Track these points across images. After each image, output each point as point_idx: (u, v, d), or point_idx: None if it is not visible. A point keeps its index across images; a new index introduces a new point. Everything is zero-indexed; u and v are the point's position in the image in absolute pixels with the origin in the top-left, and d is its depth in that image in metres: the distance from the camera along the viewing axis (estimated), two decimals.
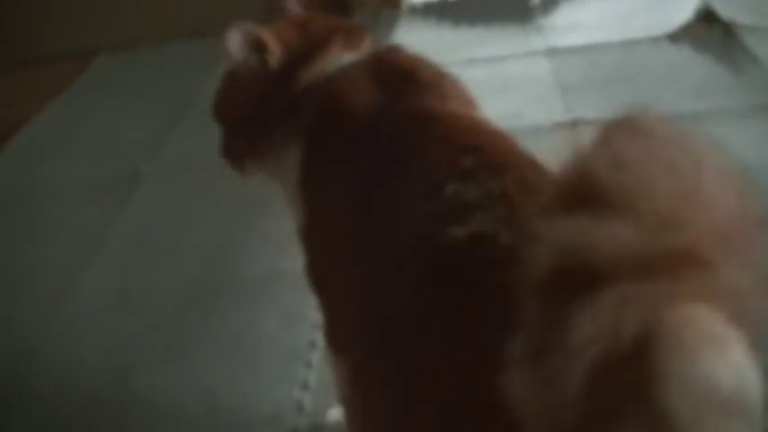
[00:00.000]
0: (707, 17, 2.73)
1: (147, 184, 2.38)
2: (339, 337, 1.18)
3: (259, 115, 1.34)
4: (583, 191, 0.72)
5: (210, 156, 2.40)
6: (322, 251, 1.22)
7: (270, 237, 2.04)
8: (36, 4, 3.41)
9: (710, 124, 2.20)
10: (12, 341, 1.86)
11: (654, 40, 2.71)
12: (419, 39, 2.69)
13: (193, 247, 2.08)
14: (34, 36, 3.42)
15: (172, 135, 2.62)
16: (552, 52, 2.74)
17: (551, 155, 2.05)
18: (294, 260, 1.87)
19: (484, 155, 1.04)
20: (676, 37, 2.70)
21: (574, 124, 2.29)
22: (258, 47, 1.30)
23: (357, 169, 1.14)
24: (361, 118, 1.19)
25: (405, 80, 1.23)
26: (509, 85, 2.55)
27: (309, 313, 1.75)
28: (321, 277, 1.23)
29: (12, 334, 1.89)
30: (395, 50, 1.31)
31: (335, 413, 1.47)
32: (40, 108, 2.94)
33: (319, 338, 1.66)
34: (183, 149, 2.54)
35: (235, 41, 1.29)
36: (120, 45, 3.35)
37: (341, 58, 1.32)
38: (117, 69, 3.24)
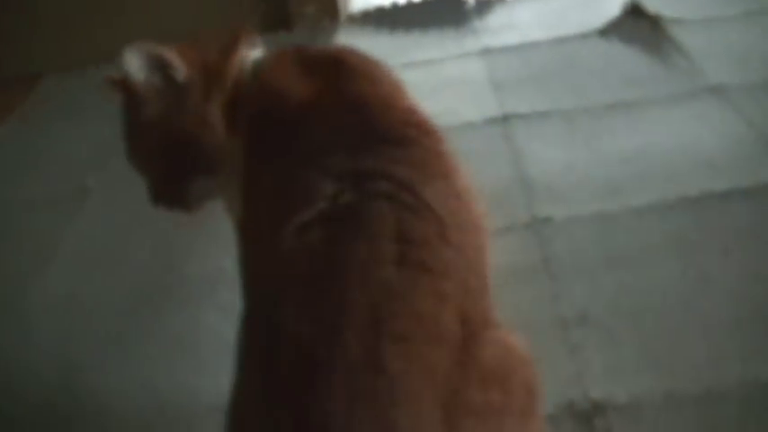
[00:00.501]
0: (635, 11, 2.81)
1: (95, 197, 2.42)
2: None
3: (190, 133, 1.30)
4: None
5: None
6: (255, 243, 1.18)
7: (216, 236, 2.08)
8: None
9: (639, 112, 2.28)
10: None
11: (584, 36, 2.78)
12: (358, 46, 2.73)
13: (141, 251, 2.12)
14: None
15: (117, 150, 2.64)
16: (486, 52, 2.80)
17: (483, 147, 2.13)
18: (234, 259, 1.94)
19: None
20: (606, 32, 2.77)
21: (505, 119, 2.35)
22: (161, 64, 1.27)
23: (292, 158, 1.16)
24: (298, 104, 1.21)
25: (335, 66, 1.26)
26: (444, 85, 2.61)
27: None
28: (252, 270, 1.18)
29: None
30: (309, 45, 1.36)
31: None
32: None
33: None
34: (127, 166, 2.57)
35: (134, 62, 1.25)
36: (64, 67, 3.38)
37: (253, 54, 1.35)
38: (63, 90, 3.26)
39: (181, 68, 1.28)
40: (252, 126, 1.26)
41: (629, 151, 2.10)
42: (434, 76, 2.67)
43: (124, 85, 1.30)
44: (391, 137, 1.15)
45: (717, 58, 2.49)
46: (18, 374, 1.78)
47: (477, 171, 2.08)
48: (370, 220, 1.03)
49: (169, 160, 1.34)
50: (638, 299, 1.62)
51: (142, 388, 1.68)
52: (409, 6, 3.22)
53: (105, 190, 2.45)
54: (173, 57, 1.28)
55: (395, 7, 3.24)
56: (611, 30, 2.78)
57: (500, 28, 2.99)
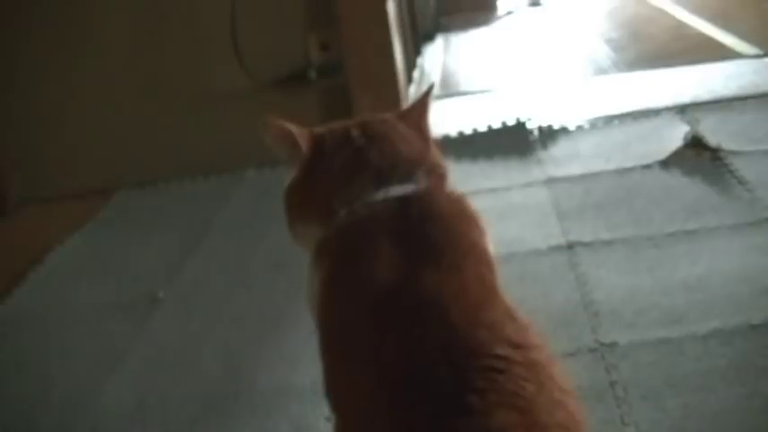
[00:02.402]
0: (696, 144, 2.88)
1: (164, 307, 2.48)
2: None
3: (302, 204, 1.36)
4: None
5: (224, 280, 2.54)
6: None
7: (282, 352, 2.13)
8: (59, 144, 3.58)
9: (701, 241, 2.31)
10: None
11: (646, 167, 2.84)
12: None
13: (208, 362, 2.16)
14: (60, 172, 3.59)
15: (187, 262, 2.73)
16: (550, 182, 2.87)
17: (549, 273, 2.17)
18: (303, 375, 1.98)
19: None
20: (667, 163, 2.83)
21: (570, 246, 2.40)
22: (288, 140, 1.32)
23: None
24: (373, 282, 1.12)
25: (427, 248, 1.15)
26: (510, 213, 2.67)
27: (319, 424, 1.84)
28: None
29: None
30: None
31: None
32: (63, 239, 3.07)
33: None
34: (198, 275, 2.65)
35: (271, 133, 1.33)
36: (137, 182, 3.50)
37: (387, 189, 1.24)
38: (135, 203, 3.38)
39: (303, 147, 1.32)
40: (331, 265, 1.22)
41: (692, 279, 2.14)
42: (500, 204, 2.74)
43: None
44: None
45: None
46: None
47: (543, 296, 2.15)
48: None
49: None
50: (704, 423, 1.63)
51: None
52: (475, 135, 3.31)
53: (175, 301, 2.52)
54: (300, 133, 1.32)
55: (461, 136, 3.33)
56: (673, 161, 2.84)
57: (564, 158, 3.06)
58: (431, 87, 1.46)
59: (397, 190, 1.23)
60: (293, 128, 1.32)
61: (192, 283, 2.60)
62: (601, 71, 4.34)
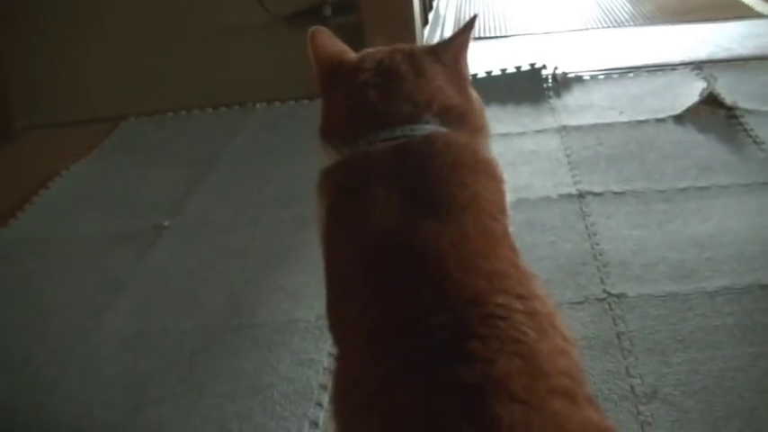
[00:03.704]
0: (711, 101, 2.84)
1: (167, 238, 2.47)
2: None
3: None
4: None
5: (230, 213, 2.53)
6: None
7: (285, 288, 2.12)
8: (71, 70, 3.55)
9: (713, 198, 2.29)
10: (33, 375, 1.92)
11: (660, 121, 2.82)
12: None
13: (210, 296, 2.15)
14: (68, 100, 3.57)
15: (193, 194, 2.71)
16: (563, 130, 2.84)
17: (559, 222, 2.15)
18: (306, 310, 1.97)
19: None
20: (682, 118, 2.81)
21: (580, 195, 2.37)
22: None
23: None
24: (368, 228, 1.10)
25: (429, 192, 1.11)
26: (521, 160, 2.65)
27: (321, 358, 1.83)
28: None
29: (34, 368, 1.95)
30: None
31: None
32: (68, 166, 3.05)
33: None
34: (202, 207, 2.63)
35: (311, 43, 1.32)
36: (146, 111, 3.47)
37: (391, 129, 1.20)
38: (142, 133, 3.36)
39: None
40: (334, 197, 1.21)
41: (702, 236, 2.12)
42: (512, 150, 2.72)
43: None
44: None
45: None
46: (85, 404, 1.81)
47: (552, 244, 2.14)
48: None
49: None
50: (710, 380, 1.63)
51: (210, 424, 1.70)
52: (488, 79, 3.27)
53: (178, 232, 2.50)
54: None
55: (474, 79, 3.25)
56: (688, 117, 2.81)
57: (577, 107, 3.03)
58: (473, 19, 1.38)
59: (401, 132, 1.19)
60: (329, 45, 1.31)
61: (196, 216, 2.58)
62: (618, 24, 4.28)
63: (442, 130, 1.20)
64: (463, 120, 1.25)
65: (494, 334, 0.90)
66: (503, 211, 1.15)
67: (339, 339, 1.08)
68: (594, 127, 2.84)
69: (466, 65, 1.34)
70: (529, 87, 3.21)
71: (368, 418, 0.91)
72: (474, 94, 1.34)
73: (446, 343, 0.90)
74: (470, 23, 1.35)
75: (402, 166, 1.13)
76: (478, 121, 1.29)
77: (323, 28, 1.34)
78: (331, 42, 1.34)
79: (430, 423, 0.84)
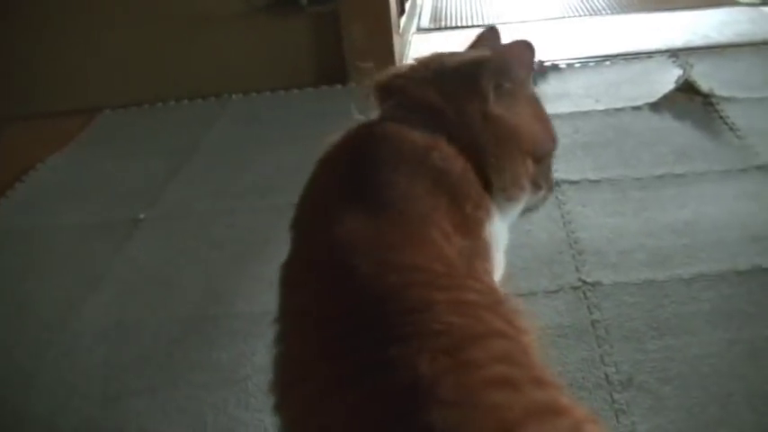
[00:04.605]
0: (688, 88, 2.85)
1: (144, 229, 2.45)
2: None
3: None
4: None
5: (207, 204, 2.52)
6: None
7: (263, 277, 2.11)
8: (46, 62, 3.53)
9: (689, 185, 2.30)
10: (9, 367, 1.91)
11: (636, 109, 2.83)
12: None
13: (188, 286, 2.14)
14: (44, 91, 3.54)
15: (170, 185, 2.70)
16: None
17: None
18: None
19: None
20: (658, 106, 2.81)
21: (557, 184, 2.37)
22: None
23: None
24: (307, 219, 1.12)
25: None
26: None
27: None
28: None
29: (10, 360, 1.94)
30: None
31: None
32: (44, 158, 3.03)
33: None
34: (180, 198, 2.62)
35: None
36: (122, 103, 3.46)
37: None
38: (119, 125, 3.35)
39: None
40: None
41: (679, 223, 2.13)
42: None
43: None
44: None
45: None
46: (63, 395, 1.80)
47: (528, 233, 2.14)
48: None
49: None
50: (686, 366, 1.63)
51: (186, 415, 1.70)
52: None
53: (156, 223, 2.49)
54: None
55: None
56: (664, 104, 2.82)
57: (553, 96, 3.03)
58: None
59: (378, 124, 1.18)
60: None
61: (174, 206, 2.57)
62: (595, 12, 4.29)
63: (405, 126, 1.16)
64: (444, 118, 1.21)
65: (414, 332, 0.87)
66: (456, 225, 1.07)
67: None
68: (571, 115, 2.85)
69: None
70: None
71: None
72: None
73: (368, 348, 0.88)
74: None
75: (358, 156, 1.13)
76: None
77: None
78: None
79: None
